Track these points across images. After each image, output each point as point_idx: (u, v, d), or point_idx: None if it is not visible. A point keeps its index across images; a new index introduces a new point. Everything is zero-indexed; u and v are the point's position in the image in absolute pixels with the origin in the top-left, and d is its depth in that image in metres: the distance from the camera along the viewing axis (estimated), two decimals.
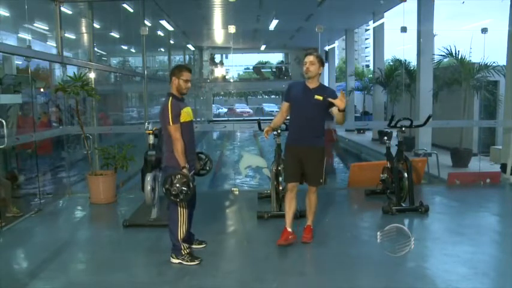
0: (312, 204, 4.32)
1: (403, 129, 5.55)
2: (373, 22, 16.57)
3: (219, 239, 4.52)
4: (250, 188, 8.67)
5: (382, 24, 16.13)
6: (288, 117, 4.31)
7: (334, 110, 4.03)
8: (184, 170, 3.66)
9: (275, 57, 36.61)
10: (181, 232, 3.81)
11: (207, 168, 4.49)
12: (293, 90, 4.21)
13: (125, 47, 15.49)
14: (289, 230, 4.22)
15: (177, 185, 3.58)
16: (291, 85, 4.31)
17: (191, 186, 3.63)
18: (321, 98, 4.06)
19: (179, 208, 3.79)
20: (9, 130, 6.11)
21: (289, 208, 4.24)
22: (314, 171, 4.19)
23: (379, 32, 16.47)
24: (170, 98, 3.78)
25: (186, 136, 3.78)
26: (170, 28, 15.57)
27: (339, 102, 3.88)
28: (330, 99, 3.96)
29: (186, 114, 3.82)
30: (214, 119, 28.52)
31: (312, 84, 4.13)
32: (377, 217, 5.25)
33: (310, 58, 4.09)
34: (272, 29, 16.53)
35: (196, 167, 4.17)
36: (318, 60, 4.08)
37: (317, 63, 4.08)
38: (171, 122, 3.70)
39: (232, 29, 7.69)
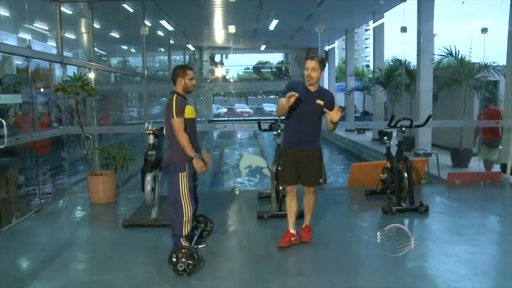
0: (311, 205, 4.29)
1: (403, 129, 5.55)
2: (373, 22, 16.59)
3: (219, 239, 4.52)
4: (251, 187, 8.67)
5: (382, 24, 16.15)
6: (283, 117, 4.20)
7: (328, 116, 4.03)
8: (195, 160, 3.72)
9: (275, 57, 36.77)
10: (185, 230, 3.84)
11: (208, 228, 4.50)
12: (295, 90, 3.98)
13: (125, 47, 15.48)
14: (292, 231, 4.22)
15: (183, 259, 3.54)
16: (291, 84, 4.17)
17: (196, 257, 3.58)
18: (322, 102, 4.02)
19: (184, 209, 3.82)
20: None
21: (291, 209, 4.24)
22: (313, 171, 4.16)
23: (379, 32, 16.49)
24: (175, 95, 3.83)
25: (190, 132, 3.81)
26: (170, 28, 15.57)
27: (334, 115, 3.91)
28: (325, 110, 3.97)
29: (190, 111, 3.87)
30: (214, 119, 28.57)
31: (313, 88, 4.06)
32: (377, 217, 5.24)
33: (312, 64, 3.97)
34: (272, 29, 16.55)
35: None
36: (319, 66, 3.98)
37: (319, 69, 3.97)
38: (175, 115, 3.73)
39: (232, 29, 7.69)
